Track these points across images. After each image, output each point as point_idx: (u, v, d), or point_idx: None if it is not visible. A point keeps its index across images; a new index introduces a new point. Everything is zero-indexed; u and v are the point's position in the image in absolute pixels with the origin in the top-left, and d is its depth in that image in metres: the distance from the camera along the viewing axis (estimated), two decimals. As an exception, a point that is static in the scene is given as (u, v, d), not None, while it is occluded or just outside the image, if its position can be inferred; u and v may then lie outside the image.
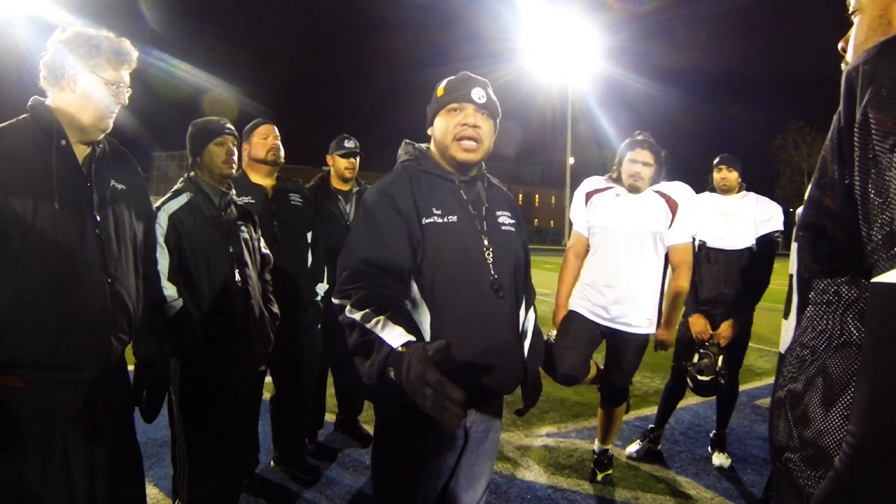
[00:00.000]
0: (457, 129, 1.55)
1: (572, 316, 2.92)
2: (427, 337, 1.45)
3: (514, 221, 1.67)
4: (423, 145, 1.66)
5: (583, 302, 2.90)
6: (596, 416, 3.25)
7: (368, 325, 1.29)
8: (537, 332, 1.74)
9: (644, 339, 2.84)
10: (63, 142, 1.53)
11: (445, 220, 1.50)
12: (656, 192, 2.83)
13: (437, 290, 1.46)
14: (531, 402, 1.74)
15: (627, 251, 2.79)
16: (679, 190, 2.84)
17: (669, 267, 2.91)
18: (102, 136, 1.63)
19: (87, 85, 1.55)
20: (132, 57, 1.64)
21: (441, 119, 1.58)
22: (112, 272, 1.57)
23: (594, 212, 2.91)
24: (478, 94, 1.57)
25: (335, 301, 1.41)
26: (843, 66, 0.92)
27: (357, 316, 1.32)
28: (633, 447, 3.37)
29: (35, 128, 1.52)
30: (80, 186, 1.55)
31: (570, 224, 3.10)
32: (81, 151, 1.59)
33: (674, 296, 2.86)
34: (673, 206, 2.79)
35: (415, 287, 1.47)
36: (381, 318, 1.28)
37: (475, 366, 1.47)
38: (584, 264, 2.99)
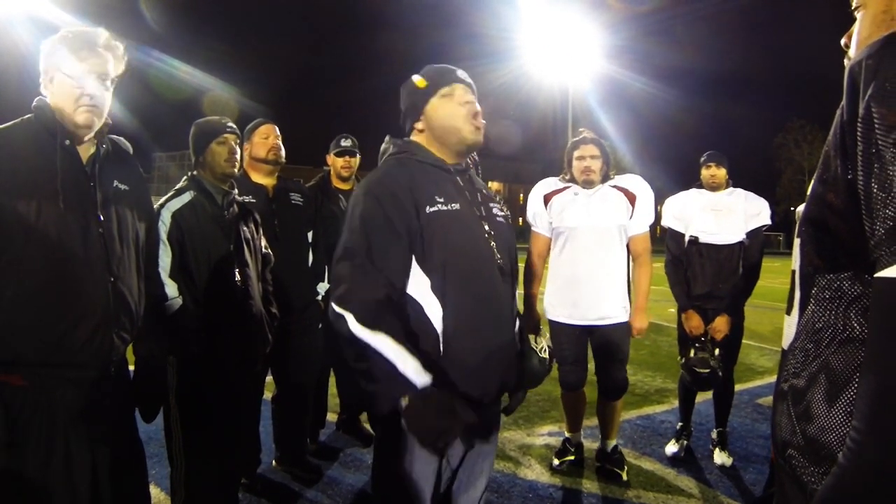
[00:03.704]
0: (465, 109, 1.51)
1: (557, 329, 2.95)
2: (439, 331, 1.42)
3: (505, 213, 1.67)
4: (408, 138, 1.61)
5: (559, 307, 2.93)
6: (597, 416, 3.25)
7: (383, 352, 1.28)
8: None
9: (625, 325, 2.89)
10: (67, 142, 1.53)
11: (449, 207, 1.46)
12: (613, 186, 2.90)
13: (450, 280, 1.42)
14: (520, 397, 1.69)
15: (597, 248, 2.85)
16: (634, 182, 2.94)
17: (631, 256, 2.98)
18: (92, 134, 1.58)
19: (58, 81, 1.53)
20: (98, 44, 1.55)
21: (438, 104, 1.52)
22: (115, 271, 1.57)
23: (557, 213, 2.95)
24: (462, 74, 1.55)
25: (333, 309, 1.37)
26: (845, 61, 0.92)
27: (367, 336, 1.29)
28: (673, 448, 3.34)
29: (39, 128, 1.52)
30: (83, 186, 1.55)
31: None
32: (85, 151, 1.59)
33: (642, 283, 2.93)
34: (631, 198, 2.88)
35: (425, 281, 1.42)
36: (398, 345, 1.28)
37: (490, 361, 1.48)
38: (551, 265, 3.02)
